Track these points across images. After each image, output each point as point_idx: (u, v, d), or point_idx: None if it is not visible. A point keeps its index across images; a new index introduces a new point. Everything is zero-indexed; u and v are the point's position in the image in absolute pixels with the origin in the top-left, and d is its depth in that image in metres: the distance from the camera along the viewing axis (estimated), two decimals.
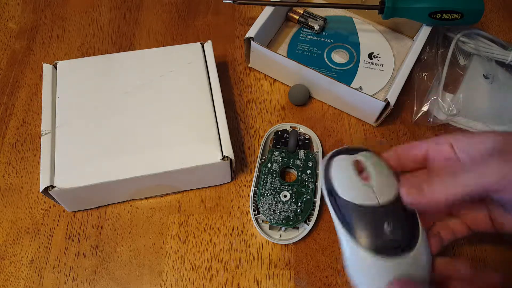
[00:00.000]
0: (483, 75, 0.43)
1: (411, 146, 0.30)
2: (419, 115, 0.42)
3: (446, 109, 0.41)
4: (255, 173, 0.39)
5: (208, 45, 0.42)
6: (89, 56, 0.45)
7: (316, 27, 0.47)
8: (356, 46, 0.47)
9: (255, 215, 0.37)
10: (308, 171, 0.39)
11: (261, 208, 0.37)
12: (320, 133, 0.42)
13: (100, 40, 0.48)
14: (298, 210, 0.37)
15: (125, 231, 0.37)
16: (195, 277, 0.35)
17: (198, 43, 0.42)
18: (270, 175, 0.38)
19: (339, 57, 0.46)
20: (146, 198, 0.39)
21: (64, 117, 0.37)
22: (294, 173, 0.39)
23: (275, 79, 0.46)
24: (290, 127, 0.42)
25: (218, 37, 0.49)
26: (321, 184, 0.30)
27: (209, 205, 0.39)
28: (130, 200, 0.39)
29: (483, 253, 0.37)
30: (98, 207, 0.38)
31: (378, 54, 0.47)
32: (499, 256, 0.37)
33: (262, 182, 0.38)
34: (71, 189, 0.34)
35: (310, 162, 0.39)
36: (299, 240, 0.36)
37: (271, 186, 0.38)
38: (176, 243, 0.37)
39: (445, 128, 0.43)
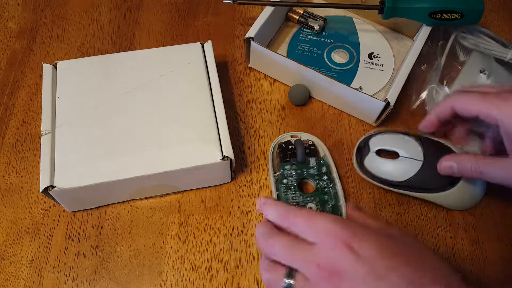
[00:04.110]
0: (480, 70, 0.43)
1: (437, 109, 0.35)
2: (417, 103, 0.43)
3: (442, 98, 0.42)
4: (274, 192, 0.38)
5: (208, 45, 0.42)
6: (89, 56, 0.45)
7: (316, 27, 0.47)
8: (356, 46, 0.47)
9: None
10: (325, 177, 0.38)
11: None
12: (320, 133, 0.42)
13: (100, 40, 0.48)
14: None
15: (125, 231, 0.37)
16: (195, 277, 0.35)
17: (198, 43, 0.42)
18: (289, 190, 0.38)
19: (339, 57, 0.46)
20: (146, 198, 0.39)
21: (64, 117, 0.37)
22: (311, 183, 0.39)
23: (275, 79, 0.46)
24: (291, 136, 0.41)
25: (218, 37, 0.49)
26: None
27: (209, 205, 0.39)
28: (130, 200, 0.39)
29: (483, 253, 0.37)
30: (98, 207, 0.38)
31: (378, 54, 0.47)
32: (499, 256, 0.37)
33: (284, 200, 0.37)
34: (71, 189, 0.34)
35: (323, 168, 0.39)
36: None
37: (294, 201, 0.37)
38: (176, 243, 0.37)
39: None
